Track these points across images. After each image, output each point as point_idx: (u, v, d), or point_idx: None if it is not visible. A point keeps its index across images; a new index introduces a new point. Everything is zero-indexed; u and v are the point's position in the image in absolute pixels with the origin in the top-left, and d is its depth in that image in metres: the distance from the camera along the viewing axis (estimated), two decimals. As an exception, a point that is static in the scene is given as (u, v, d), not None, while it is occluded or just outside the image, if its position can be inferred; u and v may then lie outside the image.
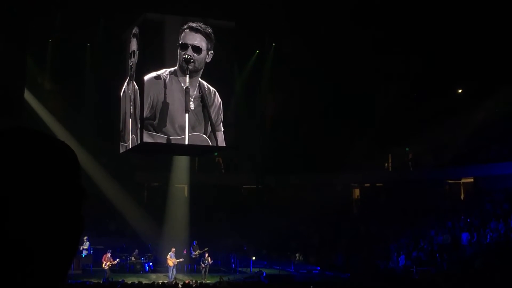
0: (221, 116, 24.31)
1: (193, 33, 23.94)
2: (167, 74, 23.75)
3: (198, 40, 24.00)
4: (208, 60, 24.00)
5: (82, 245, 30.19)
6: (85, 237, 30.21)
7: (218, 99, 24.31)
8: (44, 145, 1.39)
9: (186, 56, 23.71)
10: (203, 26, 24.09)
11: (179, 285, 24.79)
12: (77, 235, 1.40)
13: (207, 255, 29.88)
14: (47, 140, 1.41)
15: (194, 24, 23.99)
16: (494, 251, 27.94)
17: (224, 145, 24.73)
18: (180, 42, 23.71)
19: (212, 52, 24.02)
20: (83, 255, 30.40)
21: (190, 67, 23.79)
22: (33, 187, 1.33)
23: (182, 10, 25.25)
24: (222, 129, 24.28)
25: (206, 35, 24.09)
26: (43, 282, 1.32)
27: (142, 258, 32.11)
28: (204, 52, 23.98)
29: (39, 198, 1.33)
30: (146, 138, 23.62)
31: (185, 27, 23.84)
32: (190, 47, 23.82)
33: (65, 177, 1.39)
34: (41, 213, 1.33)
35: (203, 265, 29.63)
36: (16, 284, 1.29)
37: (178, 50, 23.77)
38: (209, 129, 24.13)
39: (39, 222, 1.32)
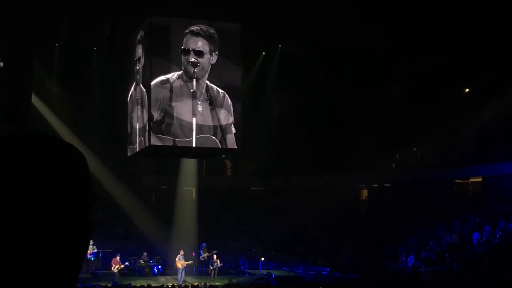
0: (232, 118, 24.31)
1: (194, 37, 23.95)
2: (174, 78, 23.78)
3: (199, 44, 24.00)
4: (213, 62, 23.99)
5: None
6: (91, 241, 29.97)
7: (228, 101, 24.30)
8: (53, 148, 1.40)
9: (191, 60, 23.74)
10: (204, 28, 24.06)
11: (189, 287, 24.80)
12: (86, 238, 1.41)
13: (215, 257, 29.89)
14: (56, 143, 1.42)
15: (194, 28, 23.98)
16: (503, 251, 27.84)
17: (235, 147, 24.75)
18: (183, 47, 23.73)
19: (216, 53, 24.00)
20: (92, 259, 30.41)
21: (196, 71, 23.81)
22: (42, 190, 1.34)
23: (188, 13, 25.24)
24: (234, 131, 24.27)
25: (208, 38, 24.07)
26: (54, 284, 1.34)
27: (151, 261, 32.12)
28: (207, 55, 23.97)
29: (48, 201, 1.34)
30: (154, 141, 23.66)
31: (187, 31, 23.85)
32: (192, 52, 23.83)
33: (74, 180, 1.40)
34: (51, 215, 1.34)
35: (211, 267, 29.66)
36: (26, 285, 1.30)
37: (182, 54, 23.81)
38: (218, 131, 24.15)
39: (49, 225, 1.33)
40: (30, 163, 1.35)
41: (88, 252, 29.76)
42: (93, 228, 1.42)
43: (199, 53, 23.89)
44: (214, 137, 24.07)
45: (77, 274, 1.40)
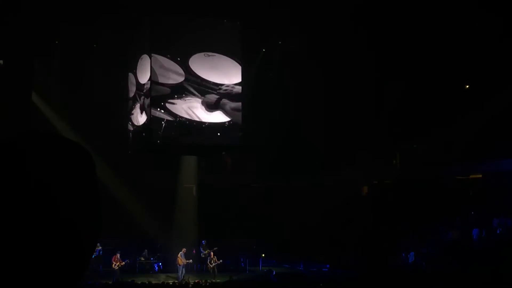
0: (233, 115, 24.37)
1: (206, 35, 24.04)
2: (175, 76, 23.82)
3: (211, 42, 24.11)
4: (221, 61, 24.08)
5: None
6: None
7: (229, 99, 24.37)
8: (61, 148, 1.40)
9: (200, 56, 23.83)
10: (216, 28, 24.20)
11: (189, 284, 24.81)
12: (94, 236, 1.42)
13: (212, 254, 29.92)
14: (63, 142, 1.42)
15: (207, 26, 24.11)
16: (503, 247, 27.87)
17: (236, 144, 24.84)
18: (193, 45, 23.81)
19: (223, 52, 24.09)
20: (92, 256, 30.43)
21: (203, 69, 23.89)
22: (49, 189, 1.34)
23: (189, 10, 25.23)
24: (235, 128, 24.35)
25: (218, 37, 24.17)
26: (60, 281, 1.34)
27: (152, 258, 32.16)
28: (216, 53, 24.07)
29: (55, 200, 1.34)
30: (155, 138, 23.70)
31: (198, 29, 23.93)
32: (203, 49, 23.94)
33: (82, 179, 1.40)
34: (58, 214, 1.34)
35: (210, 265, 29.69)
36: (33, 283, 1.30)
37: (191, 52, 23.89)
38: (219, 128, 24.19)
39: (55, 224, 1.33)
40: (37, 162, 1.35)
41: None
42: (101, 228, 1.42)
43: (211, 50, 24.00)
44: (215, 134, 24.12)
45: (83, 273, 1.40)
